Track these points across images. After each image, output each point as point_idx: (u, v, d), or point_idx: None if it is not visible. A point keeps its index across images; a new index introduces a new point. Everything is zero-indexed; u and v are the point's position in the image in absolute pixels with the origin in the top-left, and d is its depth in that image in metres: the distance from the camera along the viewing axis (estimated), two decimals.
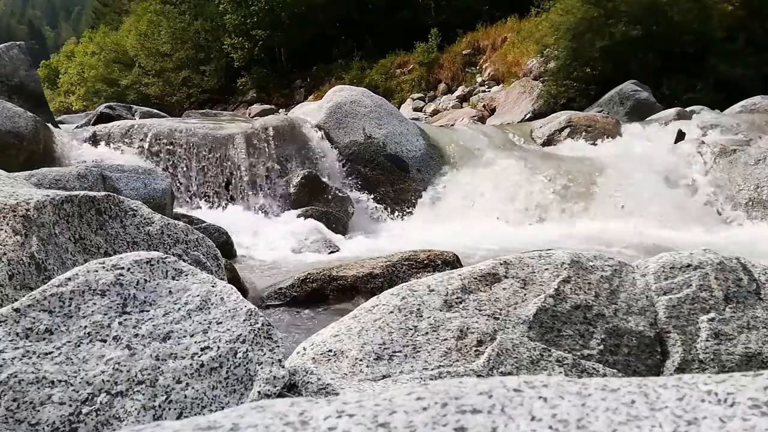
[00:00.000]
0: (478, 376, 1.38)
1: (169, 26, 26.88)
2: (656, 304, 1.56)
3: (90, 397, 1.08)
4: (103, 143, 6.27)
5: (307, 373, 1.33)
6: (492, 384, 0.62)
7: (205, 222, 4.57)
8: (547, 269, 1.60)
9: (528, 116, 12.59)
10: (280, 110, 18.28)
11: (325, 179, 6.33)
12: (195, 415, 1.12)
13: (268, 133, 6.52)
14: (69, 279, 1.24)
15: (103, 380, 1.10)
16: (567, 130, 7.79)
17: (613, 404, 0.59)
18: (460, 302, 1.54)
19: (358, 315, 1.57)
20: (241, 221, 5.53)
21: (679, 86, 11.33)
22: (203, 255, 2.22)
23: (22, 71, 7.44)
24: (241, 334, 1.23)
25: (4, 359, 1.09)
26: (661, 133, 7.42)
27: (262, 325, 1.26)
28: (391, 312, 1.52)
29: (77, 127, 7.61)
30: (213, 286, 1.31)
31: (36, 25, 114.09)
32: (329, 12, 23.04)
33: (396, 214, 6.41)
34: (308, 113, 7.42)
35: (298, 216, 5.59)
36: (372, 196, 6.48)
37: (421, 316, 1.50)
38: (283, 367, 1.22)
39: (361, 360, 1.42)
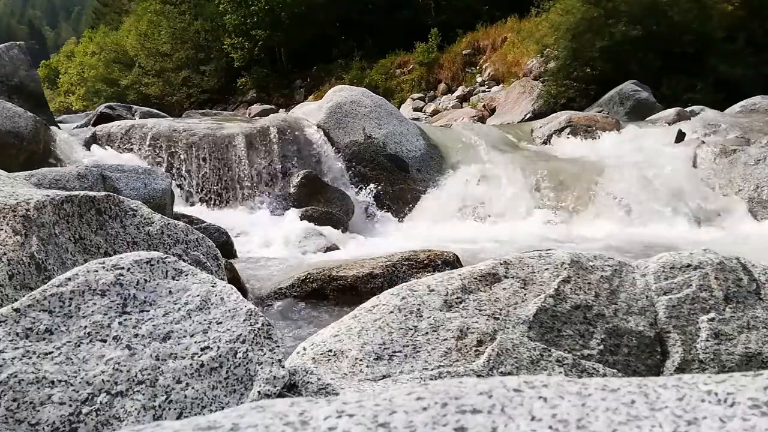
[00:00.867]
0: (478, 376, 1.38)
1: (169, 26, 26.88)
2: (656, 304, 1.56)
3: (90, 397, 1.08)
4: (103, 143, 6.27)
5: (307, 373, 1.33)
6: (492, 384, 0.62)
7: (205, 222, 4.57)
8: (547, 269, 1.60)
9: (528, 116, 12.59)
10: (280, 110, 18.28)
11: (325, 179, 6.33)
12: (195, 415, 1.12)
13: (268, 133, 6.52)
14: (69, 279, 1.24)
15: (103, 380, 1.10)
16: (567, 130, 7.79)
17: (613, 404, 0.59)
18: (460, 302, 1.54)
19: (358, 315, 1.57)
20: (241, 221, 5.53)
21: (679, 86, 11.33)
22: (203, 255, 2.22)
23: (22, 71, 7.44)
24: (241, 334, 1.23)
25: (4, 359, 1.09)
26: (661, 133, 7.42)
27: (262, 325, 1.26)
28: (391, 312, 1.52)
29: (77, 127, 7.61)
30: (213, 286, 1.31)
31: (36, 25, 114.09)
32: (329, 12, 23.03)
33: (396, 214, 6.41)
34: (308, 113, 7.42)
35: (298, 216, 5.59)
36: (372, 196, 6.48)
37: (421, 316, 1.50)
38: (283, 367, 1.22)
39: (361, 360, 1.42)
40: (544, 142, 7.84)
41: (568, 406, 0.58)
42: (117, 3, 39.99)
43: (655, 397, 0.60)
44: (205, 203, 6.04)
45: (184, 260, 1.93)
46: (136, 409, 1.08)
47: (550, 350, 1.45)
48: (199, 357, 1.17)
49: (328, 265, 3.39)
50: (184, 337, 1.20)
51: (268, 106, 20.06)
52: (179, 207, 5.55)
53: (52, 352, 1.12)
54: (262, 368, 1.20)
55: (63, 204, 1.91)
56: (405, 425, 0.55)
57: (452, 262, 3.26)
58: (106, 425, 1.06)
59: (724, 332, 1.51)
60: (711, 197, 6.01)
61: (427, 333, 1.46)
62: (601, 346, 1.48)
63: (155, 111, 9.42)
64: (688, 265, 1.60)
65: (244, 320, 1.25)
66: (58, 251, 1.83)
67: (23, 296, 1.37)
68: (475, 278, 1.59)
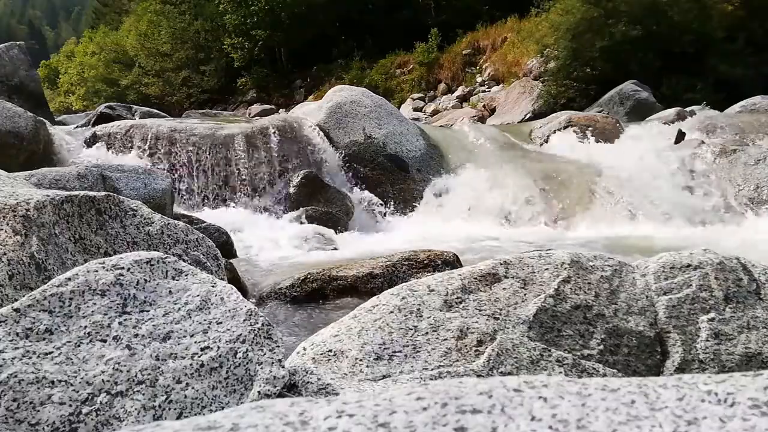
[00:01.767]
0: (478, 376, 1.38)
1: (169, 26, 26.88)
2: (656, 304, 1.56)
3: (90, 397, 1.08)
4: (103, 143, 6.27)
5: (307, 373, 1.33)
6: (492, 384, 0.62)
7: (205, 222, 4.57)
8: (547, 269, 1.60)
9: (528, 116, 12.59)
10: (280, 110, 18.28)
11: (325, 179, 6.33)
12: (195, 415, 1.12)
13: (269, 133, 6.52)
14: (69, 279, 1.24)
15: (103, 380, 1.10)
16: (567, 131, 7.79)
17: (613, 404, 0.59)
18: (460, 302, 1.54)
19: (358, 315, 1.57)
20: (241, 221, 5.53)
21: (679, 86, 11.34)
22: (203, 255, 2.22)
23: (22, 71, 7.44)
24: (241, 334, 1.23)
25: (4, 359, 1.09)
26: (661, 133, 7.42)
27: (262, 325, 1.26)
28: (391, 312, 1.52)
29: (77, 127, 7.61)
30: (213, 286, 1.31)
31: (36, 25, 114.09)
32: (329, 12, 23.03)
33: (396, 214, 6.41)
34: (308, 113, 7.42)
35: (298, 216, 5.59)
36: (372, 196, 6.48)
37: (421, 316, 1.50)
38: (283, 367, 1.22)
39: (361, 360, 1.42)
40: (544, 142, 7.84)
41: (568, 406, 0.58)
42: (117, 3, 39.99)
43: (655, 397, 0.60)
44: (205, 203, 6.04)
45: (184, 260, 1.93)
46: (136, 409, 1.08)
47: (550, 350, 1.45)
48: (199, 357, 1.17)
49: (328, 265, 3.39)
50: (184, 337, 1.20)
51: (268, 106, 20.06)
52: (179, 207, 5.55)
53: (52, 352, 1.12)
54: (262, 368, 1.20)
55: (63, 204, 1.91)
56: (405, 425, 0.55)
57: (452, 262, 3.26)
58: (106, 425, 1.06)
59: (724, 332, 1.51)
60: (711, 197, 6.01)
61: (427, 333, 1.46)
62: (601, 346, 1.48)
63: (155, 111, 9.42)
64: (688, 265, 1.60)
65: (244, 320, 1.25)
66: (58, 251, 1.83)
67: (23, 296, 1.37)
68: (475, 278, 1.59)
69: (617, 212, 5.95)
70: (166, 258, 1.34)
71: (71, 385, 1.08)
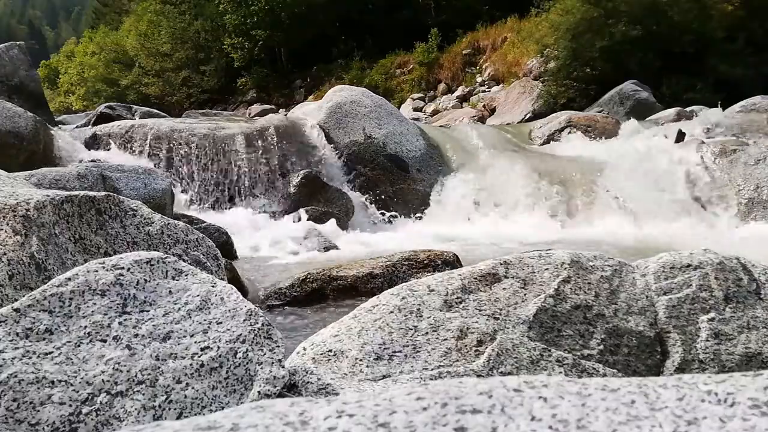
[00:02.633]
0: (478, 376, 1.38)
1: (169, 26, 26.88)
2: (656, 304, 1.56)
3: (90, 397, 1.08)
4: (103, 143, 6.27)
5: (307, 373, 1.33)
6: (492, 384, 0.62)
7: (205, 222, 4.57)
8: (547, 269, 1.60)
9: (528, 116, 12.59)
10: (280, 110, 18.27)
11: (324, 179, 6.33)
12: (195, 415, 1.12)
13: (269, 133, 6.52)
14: (69, 279, 1.24)
15: (103, 380, 1.10)
16: (567, 131, 7.79)
17: (613, 404, 0.59)
18: (460, 302, 1.54)
19: (358, 315, 1.57)
20: (241, 221, 5.53)
21: (679, 86, 11.34)
22: (203, 255, 2.22)
23: (22, 71, 7.44)
24: (241, 334, 1.23)
25: (4, 359, 1.09)
26: (660, 133, 7.42)
27: (262, 325, 1.26)
28: (391, 312, 1.52)
29: (77, 127, 7.61)
30: (213, 286, 1.31)
31: (36, 25, 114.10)
32: (329, 12, 23.03)
33: (396, 214, 6.41)
34: (308, 113, 7.42)
35: (298, 216, 5.59)
36: (372, 196, 6.48)
37: (421, 316, 1.50)
38: (283, 367, 1.22)
39: (361, 360, 1.42)
40: (544, 142, 7.85)
41: (568, 406, 0.58)
42: (117, 3, 39.98)
43: (655, 397, 0.60)
44: (205, 203, 6.04)
45: (184, 260, 1.93)
46: (136, 409, 1.08)
47: (550, 350, 1.45)
48: (199, 357, 1.17)
49: (328, 265, 3.39)
50: (184, 337, 1.20)
51: (268, 106, 20.05)
52: (179, 207, 5.55)
53: (52, 352, 1.12)
54: (262, 368, 1.20)
55: (63, 204, 1.91)
56: (405, 425, 0.55)
57: (452, 262, 3.26)
58: (106, 425, 1.06)
59: (724, 332, 1.51)
60: (711, 197, 6.01)
61: (427, 333, 1.46)
62: (601, 346, 1.48)
63: (155, 111, 9.42)
64: (688, 265, 1.60)
65: (244, 320, 1.25)
66: (58, 251, 1.83)
67: (23, 296, 1.37)
68: (475, 278, 1.59)
69: (617, 212, 5.95)
70: (166, 258, 1.34)
71: (71, 385, 1.08)
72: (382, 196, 6.51)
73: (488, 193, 6.45)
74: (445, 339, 1.45)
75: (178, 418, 1.11)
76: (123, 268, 1.28)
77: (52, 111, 9.76)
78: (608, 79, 11.42)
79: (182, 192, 6.01)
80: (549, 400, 0.59)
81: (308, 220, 5.50)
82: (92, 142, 6.32)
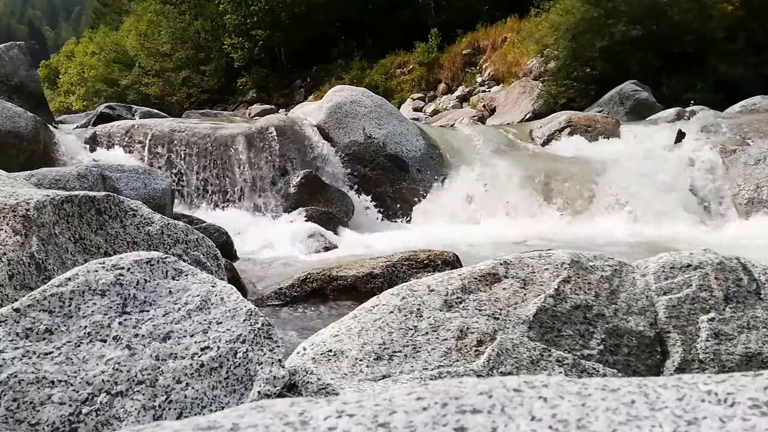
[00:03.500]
0: (478, 376, 1.38)
1: (169, 26, 26.88)
2: (656, 304, 1.56)
3: (90, 397, 1.08)
4: (103, 143, 6.28)
5: (307, 373, 1.33)
6: (492, 384, 0.62)
7: (205, 222, 4.57)
8: (547, 269, 1.60)
9: (528, 116, 12.59)
10: (280, 110, 18.28)
11: (325, 179, 6.33)
12: (195, 415, 1.12)
13: (269, 133, 6.52)
14: (69, 279, 1.24)
15: (103, 380, 1.10)
16: (567, 130, 7.79)
17: (613, 404, 0.59)
18: (460, 302, 1.54)
19: (358, 315, 1.57)
20: (241, 221, 5.53)
21: (679, 86, 11.34)
22: (203, 255, 2.22)
23: (22, 71, 7.43)
24: (241, 334, 1.23)
25: (4, 359, 1.09)
26: (660, 133, 7.42)
27: (262, 325, 1.26)
28: (391, 312, 1.52)
29: (77, 127, 7.61)
30: (213, 286, 1.31)
31: (36, 25, 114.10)
32: (329, 12, 23.03)
33: (396, 214, 6.41)
34: (308, 113, 7.42)
35: (298, 216, 5.59)
36: (372, 196, 6.48)
37: (421, 316, 1.50)
38: (283, 367, 1.22)
39: (361, 360, 1.42)
40: (545, 142, 7.85)
41: (568, 406, 0.58)
42: (117, 3, 39.98)
43: (655, 397, 0.60)
44: (205, 203, 6.04)
45: (184, 260, 1.93)
46: (136, 409, 1.08)
47: (550, 350, 1.45)
48: (199, 357, 1.17)
49: (328, 265, 3.39)
50: (184, 337, 1.20)
51: (268, 106, 20.05)
52: (179, 207, 5.55)
53: (52, 352, 1.12)
54: (262, 368, 1.20)
55: (63, 204, 1.91)
56: (405, 425, 0.55)
57: (452, 262, 3.26)
58: (106, 425, 1.06)
59: (724, 332, 1.51)
60: (711, 197, 6.01)
61: (427, 333, 1.46)
62: (601, 346, 1.48)
63: (155, 111, 9.41)
64: (688, 265, 1.60)
65: (244, 320, 1.25)
66: (58, 251, 1.83)
67: (23, 296, 1.37)
68: (475, 278, 1.59)
69: (617, 212, 5.95)
70: (166, 258, 1.34)
71: (71, 385, 1.08)
72: (382, 196, 6.51)
73: (488, 193, 6.44)
74: (445, 339, 1.45)
75: (178, 418, 1.11)
76: (123, 268, 1.28)
77: (52, 111, 9.75)
78: (608, 79, 11.42)
79: (182, 192, 6.01)
80: (549, 400, 0.59)
81: (308, 220, 5.50)
82: (92, 142, 6.32)
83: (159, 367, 1.14)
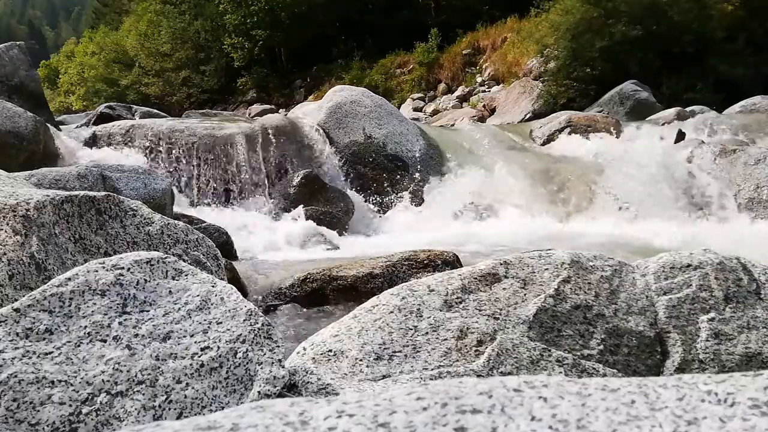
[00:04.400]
0: (478, 376, 1.38)
1: (169, 26, 26.89)
2: (656, 304, 1.56)
3: (90, 397, 1.08)
4: (103, 143, 6.28)
5: (307, 373, 1.33)
6: (492, 384, 0.62)
7: (205, 222, 4.57)
8: (547, 269, 1.60)
9: (528, 116, 12.59)
10: (280, 110, 18.28)
11: (325, 179, 6.33)
12: (195, 415, 1.12)
13: (269, 133, 6.52)
14: (69, 279, 1.24)
15: (103, 380, 1.10)
16: (567, 130, 7.79)
17: (613, 404, 0.59)
18: (460, 302, 1.54)
19: (358, 315, 1.57)
20: (241, 221, 5.53)
21: (679, 86, 11.34)
22: (203, 255, 2.22)
23: (22, 71, 7.43)
24: (241, 334, 1.23)
25: (4, 359, 1.09)
26: (660, 133, 7.42)
27: (262, 325, 1.26)
28: (391, 312, 1.52)
29: (77, 127, 7.61)
30: (213, 286, 1.31)
31: (36, 25, 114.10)
32: (329, 12, 23.03)
33: (396, 214, 6.41)
34: (308, 113, 7.42)
35: (298, 216, 5.59)
36: (372, 196, 6.48)
37: (421, 316, 1.50)
38: (283, 367, 1.22)
39: (361, 360, 1.42)
40: (545, 142, 7.85)
41: (568, 406, 0.58)
42: (117, 3, 39.99)
43: (655, 397, 0.60)
44: (204, 203, 6.04)
45: (184, 260, 1.93)
46: (136, 409, 1.08)
47: (550, 350, 1.45)
48: (199, 357, 1.17)
49: (328, 265, 3.39)
50: (184, 337, 1.20)
51: (268, 106, 20.05)
52: (179, 207, 5.55)
53: (52, 352, 1.12)
54: (262, 368, 1.20)
55: (63, 204, 1.91)
56: (405, 425, 0.55)
57: (452, 262, 3.26)
58: (106, 425, 1.06)
59: (724, 332, 1.51)
60: (711, 197, 6.01)
61: (427, 333, 1.46)
62: (601, 346, 1.48)
63: (155, 111, 9.42)
64: (688, 265, 1.60)
65: (244, 320, 1.25)
66: (58, 251, 1.83)
67: (23, 296, 1.37)
68: (475, 278, 1.59)
69: (617, 212, 5.95)
70: (166, 258, 1.34)
71: (71, 385, 1.08)
72: (382, 196, 6.51)
73: (489, 193, 6.44)
74: (445, 339, 1.45)
75: (178, 418, 1.11)
76: (123, 268, 1.28)
77: (52, 111, 9.76)
78: (608, 79, 11.42)
79: (182, 192, 6.01)
80: (549, 400, 0.59)
81: (308, 220, 5.50)
82: (92, 142, 6.32)
83: (159, 367, 1.14)
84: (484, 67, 18.69)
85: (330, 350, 1.47)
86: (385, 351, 1.43)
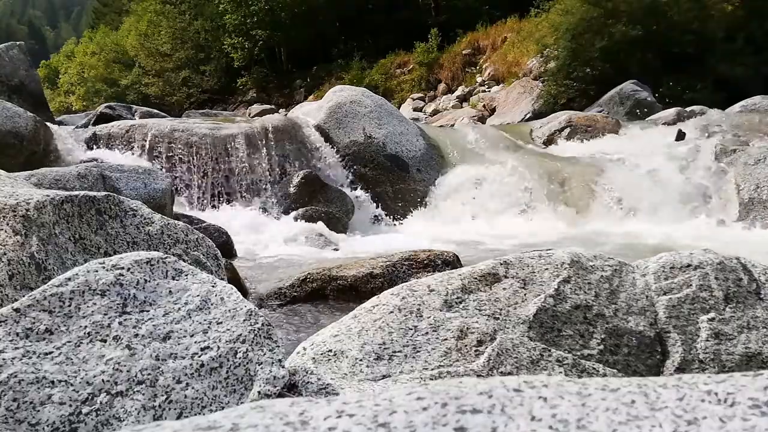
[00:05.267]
0: (478, 376, 1.38)
1: (169, 26, 26.91)
2: (656, 304, 1.56)
3: (90, 397, 1.08)
4: (103, 143, 6.28)
5: (307, 373, 1.33)
6: (492, 384, 0.62)
7: (205, 222, 4.57)
8: (547, 269, 1.60)
9: (528, 116, 12.59)
10: (280, 110, 18.28)
11: (325, 179, 6.33)
12: (195, 415, 1.12)
13: (268, 133, 6.52)
14: (69, 279, 1.24)
15: (103, 380, 1.10)
16: (567, 130, 7.79)
17: (613, 404, 0.59)
18: (460, 302, 1.54)
19: (358, 315, 1.57)
20: (241, 221, 5.53)
21: (679, 86, 11.34)
22: (203, 255, 2.22)
23: (22, 71, 7.44)
24: (241, 334, 1.23)
25: (4, 359, 1.09)
26: (660, 133, 7.42)
27: (262, 325, 1.26)
28: (391, 312, 1.52)
29: (77, 127, 7.61)
30: (213, 286, 1.31)
31: (36, 25, 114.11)
32: (329, 12, 23.05)
33: (396, 213, 6.41)
34: (308, 113, 7.42)
35: (298, 216, 5.59)
36: (372, 196, 6.48)
37: (421, 316, 1.50)
38: (283, 367, 1.22)
39: (361, 360, 1.42)
40: (545, 142, 7.85)
41: (568, 406, 0.58)
42: (117, 3, 40.00)
43: (655, 397, 0.60)
44: (205, 203, 6.04)
45: (184, 260, 1.93)
46: (136, 409, 1.08)
47: (550, 350, 1.45)
48: (199, 357, 1.17)
49: (328, 265, 3.39)
50: (184, 337, 1.20)
51: (268, 106, 20.04)
52: (179, 207, 5.55)
53: (52, 352, 1.12)
54: (262, 368, 1.20)
55: (63, 204, 1.91)
56: (405, 425, 0.55)
57: (452, 262, 3.26)
58: (106, 425, 1.06)
59: (724, 332, 1.51)
60: (710, 197, 6.01)
61: (427, 333, 1.46)
62: (601, 346, 1.48)
63: (155, 111, 9.42)
64: (688, 265, 1.60)
65: (244, 320, 1.25)
66: (58, 251, 1.83)
67: (23, 296, 1.37)
68: (475, 278, 1.59)
69: (617, 212, 5.95)
70: (166, 258, 1.34)
71: (71, 385, 1.08)
72: (382, 196, 6.51)
73: (488, 193, 6.45)
74: (445, 339, 1.45)
75: (178, 418, 1.11)
76: (123, 268, 1.28)
77: (52, 111, 9.76)
78: (608, 79, 11.42)
79: (182, 192, 6.01)
80: (549, 400, 0.59)
81: (308, 220, 5.50)
82: (92, 142, 6.32)
83: (159, 367, 1.14)
84: (484, 67, 18.69)
85: (330, 350, 1.47)
86: (385, 351, 1.43)
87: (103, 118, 7.91)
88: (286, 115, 9.16)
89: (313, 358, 1.48)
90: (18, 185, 2.33)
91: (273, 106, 20.38)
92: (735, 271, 1.60)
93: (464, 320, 1.48)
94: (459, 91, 18.30)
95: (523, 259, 1.64)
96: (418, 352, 1.43)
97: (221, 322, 1.24)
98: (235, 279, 3.18)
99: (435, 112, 17.23)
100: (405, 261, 3.25)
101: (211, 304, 1.27)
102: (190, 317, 1.24)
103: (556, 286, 1.55)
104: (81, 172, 3.92)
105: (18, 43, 7.86)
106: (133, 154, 6.14)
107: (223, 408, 1.14)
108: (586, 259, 1.63)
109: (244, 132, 6.47)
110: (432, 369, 1.39)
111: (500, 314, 1.50)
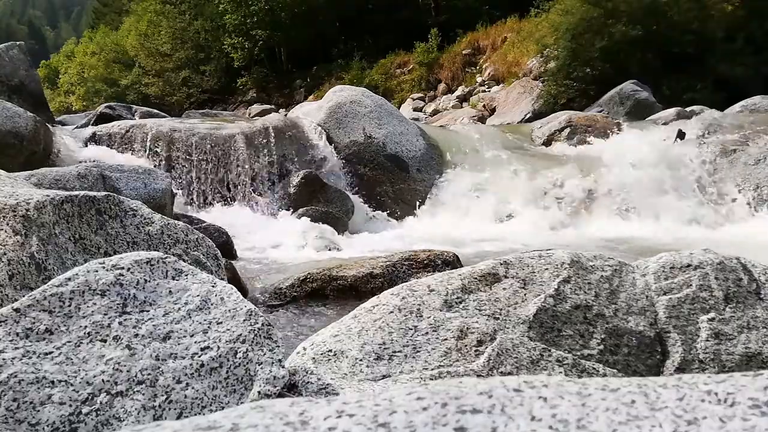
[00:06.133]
0: (478, 376, 1.38)
1: (169, 26, 26.91)
2: (656, 304, 1.56)
3: (90, 397, 1.08)
4: (103, 143, 6.28)
5: (307, 373, 1.33)
6: (492, 384, 0.62)
7: (205, 222, 4.57)
8: (547, 269, 1.60)
9: (528, 116, 12.59)
10: (280, 110, 18.28)
11: (324, 179, 6.33)
12: (195, 415, 1.12)
13: (269, 133, 6.52)
14: (69, 279, 1.24)
15: (103, 380, 1.10)
16: (567, 131, 7.79)
17: (613, 404, 0.59)
18: (460, 302, 1.54)
19: (358, 315, 1.57)
20: (241, 221, 5.53)
21: (679, 86, 11.34)
22: (203, 255, 2.22)
23: (22, 71, 7.44)
24: (241, 334, 1.23)
25: (4, 359, 1.09)
26: (660, 133, 7.42)
27: (262, 325, 1.26)
28: (391, 312, 1.52)
29: (77, 127, 7.61)
30: (213, 286, 1.31)
31: (36, 25, 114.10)
32: (329, 12, 23.05)
33: (396, 213, 6.41)
34: (308, 113, 7.42)
35: (298, 216, 5.59)
36: (372, 195, 6.48)
37: (421, 316, 1.50)
38: (283, 367, 1.22)
39: (361, 360, 1.42)
40: (545, 142, 7.85)
41: (568, 406, 0.58)
42: (117, 3, 39.99)
43: (655, 397, 0.60)
44: (205, 203, 6.04)
45: (184, 260, 1.93)
46: (136, 409, 1.08)
47: (550, 350, 1.45)
48: (199, 357, 1.17)
49: (328, 265, 3.39)
50: (184, 337, 1.20)
51: (268, 106, 20.04)
52: (179, 207, 5.55)
53: (52, 352, 1.12)
54: (262, 368, 1.20)
55: (63, 204, 1.91)
56: (405, 425, 0.55)
57: (452, 262, 3.26)
58: (106, 425, 1.06)
59: (724, 332, 1.51)
60: (711, 197, 6.01)
61: (427, 333, 1.46)
62: (601, 346, 1.48)
63: (155, 111, 9.42)
64: (688, 265, 1.60)
65: (244, 320, 1.25)
66: (58, 251, 1.83)
67: (23, 296, 1.37)
68: (475, 278, 1.59)
69: (617, 212, 5.95)
70: (166, 258, 1.34)
71: (71, 385, 1.08)
72: (382, 196, 6.51)
73: (488, 193, 6.45)
74: (445, 339, 1.45)
75: (178, 418, 1.11)
76: (123, 268, 1.28)
77: (52, 111, 9.76)
78: (608, 79, 11.42)
79: (182, 192, 6.01)
80: (549, 400, 0.59)
81: (308, 220, 5.50)
82: (92, 142, 6.32)
83: (159, 367, 1.14)
84: (484, 67, 18.69)
85: (330, 350, 1.47)
86: (385, 351, 1.43)
87: (103, 118, 7.91)
88: (286, 115, 9.16)
89: (313, 358, 1.48)
90: (18, 185, 2.33)
91: (273, 106, 20.38)
92: (735, 271, 1.60)
93: (464, 320, 1.48)
94: (459, 91, 18.30)
95: (523, 259, 1.64)
96: (418, 352, 1.43)
97: (221, 322, 1.24)
98: (235, 279, 3.18)
99: (435, 112, 17.23)
100: (405, 261, 3.25)
101: (211, 304, 1.27)
102: (190, 317, 1.24)
103: (556, 286, 1.55)
104: (81, 172, 3.92)
105: (18, 43, 7.86)
106: (133, 154, 6.14)
107: (223, 408, 1.14)
108: (586, 259, 1.63)
109: (244, 132, 6.47)
110: (432, 369, 1.39)
111: (500, 314, 1.50)
